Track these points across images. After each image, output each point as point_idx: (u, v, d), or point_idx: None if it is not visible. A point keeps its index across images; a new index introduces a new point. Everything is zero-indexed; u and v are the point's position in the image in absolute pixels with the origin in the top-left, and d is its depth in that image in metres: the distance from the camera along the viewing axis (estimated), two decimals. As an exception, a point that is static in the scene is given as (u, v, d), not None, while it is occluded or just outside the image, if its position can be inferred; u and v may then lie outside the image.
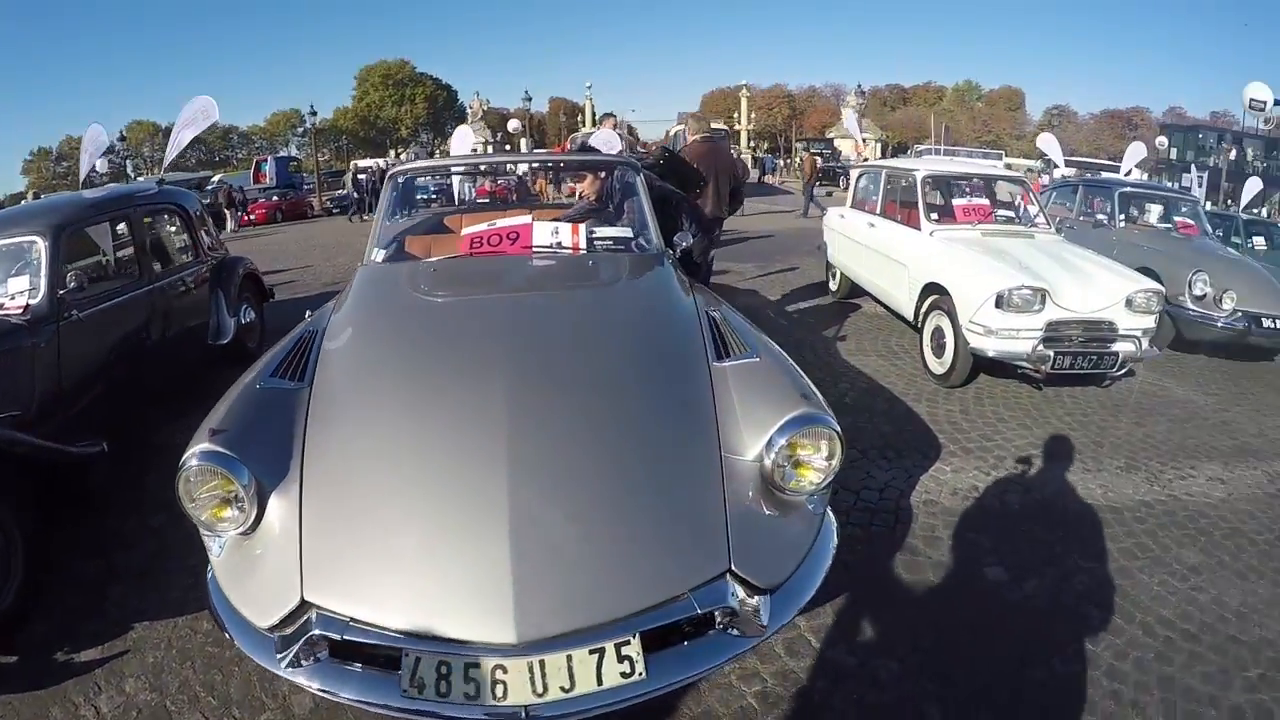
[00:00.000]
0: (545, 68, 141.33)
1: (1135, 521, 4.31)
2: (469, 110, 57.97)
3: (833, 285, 9.62)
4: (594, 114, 50.56)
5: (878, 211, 7.95)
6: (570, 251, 4.05)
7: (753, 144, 60.20)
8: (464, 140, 22.69)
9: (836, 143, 50.46)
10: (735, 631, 2.18)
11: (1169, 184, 33.82)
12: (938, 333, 6.32)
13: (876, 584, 3.63)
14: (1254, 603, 3.57)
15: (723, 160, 6.95)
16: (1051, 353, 5.62)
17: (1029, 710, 2.87)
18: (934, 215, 7.08)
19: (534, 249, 4.04)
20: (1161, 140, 46.93)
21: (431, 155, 42.86)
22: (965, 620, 3.37)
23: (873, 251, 7.79)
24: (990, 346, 5.72)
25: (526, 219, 4.31)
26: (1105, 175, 18.94)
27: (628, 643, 2.00)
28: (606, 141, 9.37)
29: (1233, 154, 43.86)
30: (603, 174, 5.30)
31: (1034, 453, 5.17)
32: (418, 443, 2.41)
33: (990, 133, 75.01)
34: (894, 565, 3.78)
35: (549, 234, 4.15)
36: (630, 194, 4.84)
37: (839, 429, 2.50)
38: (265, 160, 40.58)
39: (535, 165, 7.44)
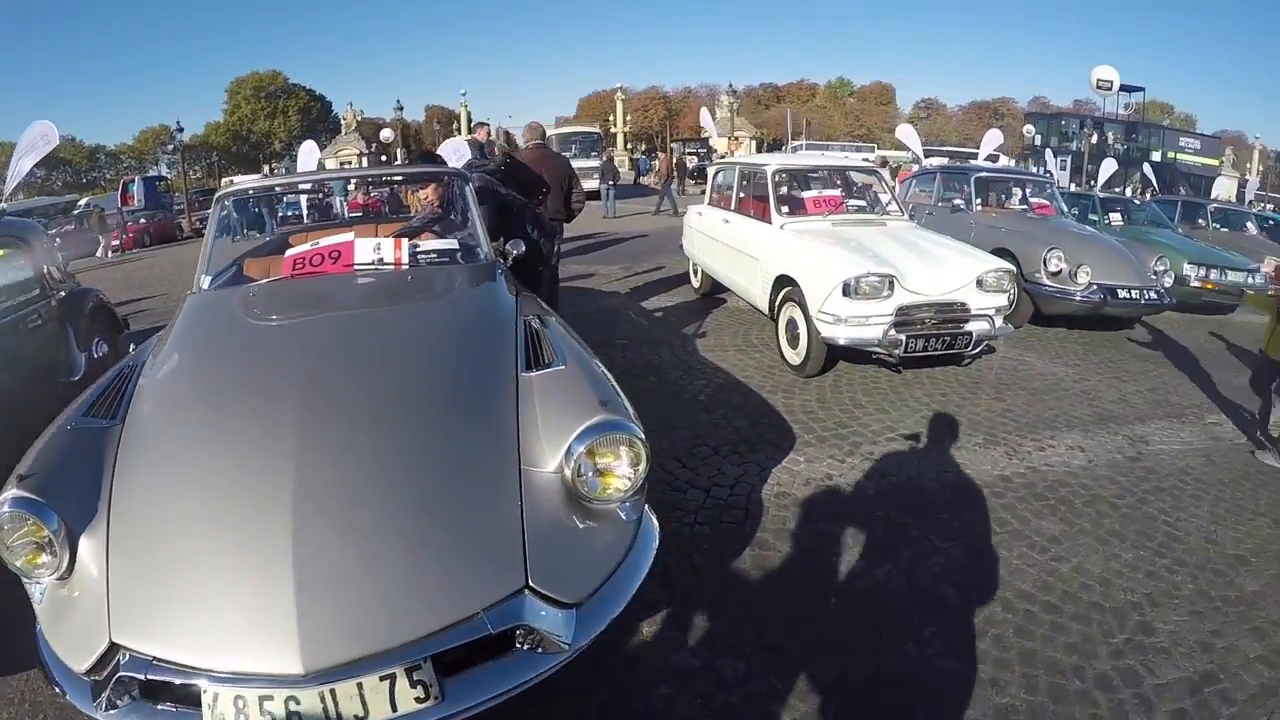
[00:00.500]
0: (421, 76, 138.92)
1: (994, 496, 4.30)
2: (343, 121, 56.68)
3: (695, 282, 9.64)
4: (469, 121, 49.97)
5: (732, 207, 7.98)
6: (393, 267, 3.98)
7: (629, 146, 60.95)
8: (310, 156, 22.01)
9: (711, 141, 51.48)
10: (540, 650, 2.15)
11: (1034, 169, 35.60)
12: (792, 324, 6.31)
13: (724, 582, 3.47)
14: (1117, 567, 3.58)
15: (555, 166, 7.13)
16: (903, 337, 5.67)
17: (884, 701, 2.75)
18: (785, 208, 7.11)
19: (355, 267, 3.97)
20: (1029, 128, 49.57)
21: (308, 170, 41.74)
22: (816, 612, 3.25)
23: (728, 247, 7.77)
24: (841, 335, 5.70)
25: (349, 236, 4.21)
26: (971, 162, 19.72)
27: (419, 666, 1.99)
28: (455, 150, 9.17)
29: (1094, 138, 46.81)
30: (446, 182, 5.21)
31: (891, 436, 5.13)
32: (213, 476, 2.38)
33: (862, 127, 77.71)
34: (742, 562, 3.63)
35: (370, 251, 4.02)
36: (461, 204, 4.80)
37: (641, 435, 2.51)
38: (132, 181, 38.47)
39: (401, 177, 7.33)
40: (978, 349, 6.06)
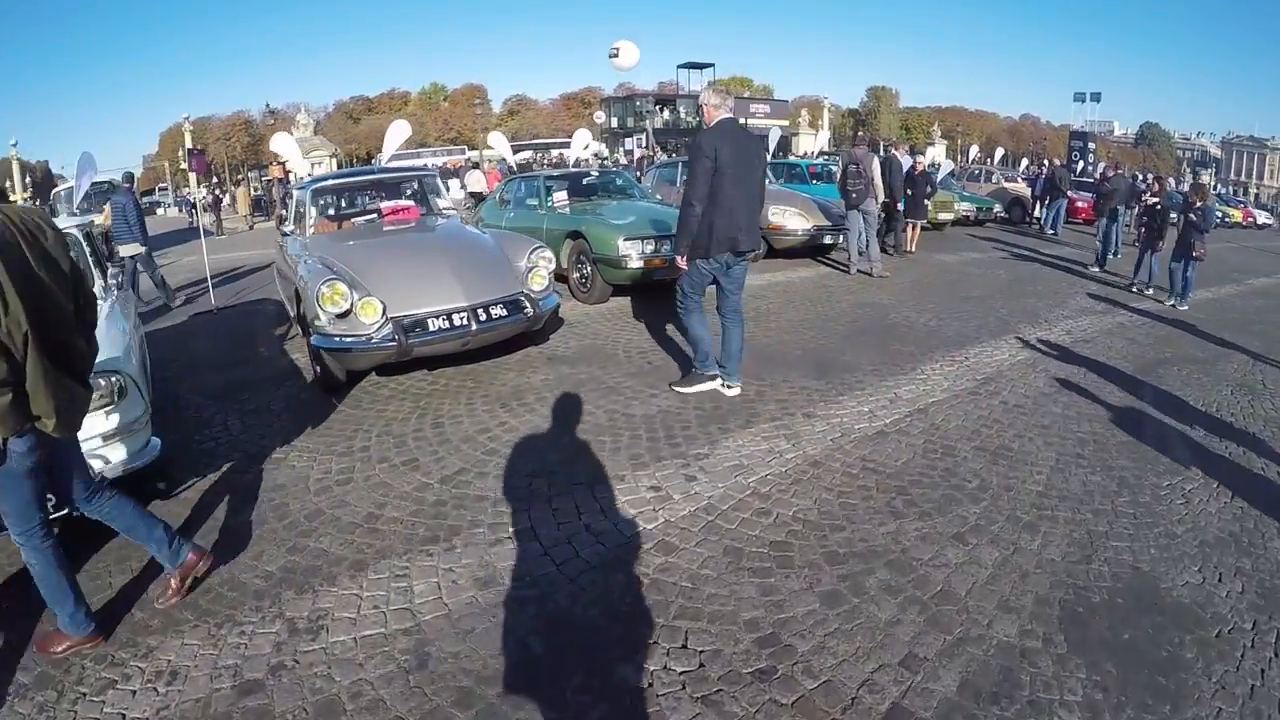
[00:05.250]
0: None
1: None
2: None
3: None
4: (24, 175, 43.97)
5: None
6: None
7: (216, 179, 55.41)
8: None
9: (288, 165, 47.96)
10: None
11: (609, 154, 35.25)
12: None
13: None
14: None
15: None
16: None
17: None
18: None
19: None
20: (599, 114, 50.48)
21: None
22: None
23: None
24: None
25: None
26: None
27: None
28: None
29: (666, 114, 48.58)
30: None
31: None
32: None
33: (453, 130, 77.16)
34: None
35: None
36: None
37: None
38: None
39: None
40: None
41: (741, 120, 44.53)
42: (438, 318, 5.56)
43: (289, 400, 5.83)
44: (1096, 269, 12.35)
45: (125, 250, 9.87)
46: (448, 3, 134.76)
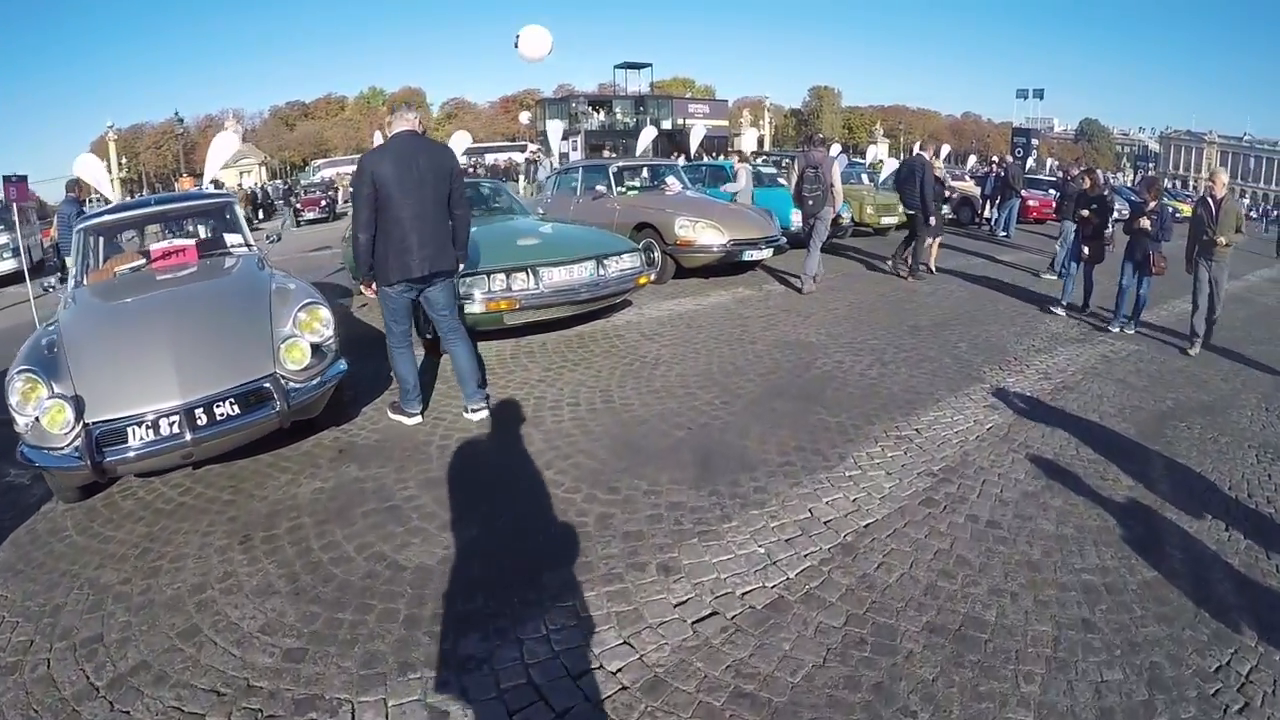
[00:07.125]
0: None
1: None
2: None
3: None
4: None
5: None
6: None
7: (150, 189, 54.10)
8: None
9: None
10: None
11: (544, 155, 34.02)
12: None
13: None
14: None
15: None
16: None
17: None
18: None
19: None
20: (524, 115, 49.68)
21: None
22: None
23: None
24: None
25: None
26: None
27: None
28: None
29: (601, 115, 47.61)
30: None
31: None
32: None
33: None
34: None
35: None
36: None
37: None
38: None
39: None
40: None
41: (680, 121, 43.80)
42: (140, 425, 3.84)
43: (25, 513, 4.11)
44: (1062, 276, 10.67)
45: (70, 261, 8.98)
46: (386, 5, 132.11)
